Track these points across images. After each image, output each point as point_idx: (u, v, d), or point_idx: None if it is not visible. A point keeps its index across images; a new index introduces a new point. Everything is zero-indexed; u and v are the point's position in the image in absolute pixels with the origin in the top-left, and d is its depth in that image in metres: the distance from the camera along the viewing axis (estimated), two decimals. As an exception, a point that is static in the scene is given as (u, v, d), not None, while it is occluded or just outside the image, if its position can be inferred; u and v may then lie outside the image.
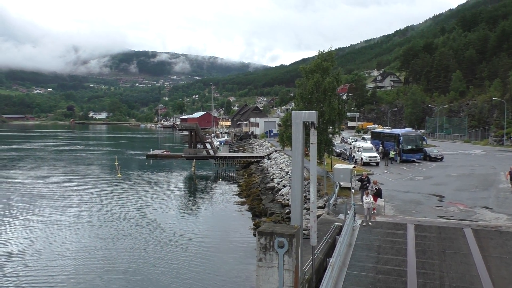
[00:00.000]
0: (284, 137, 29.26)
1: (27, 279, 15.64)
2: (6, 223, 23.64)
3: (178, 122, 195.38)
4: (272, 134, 79.28)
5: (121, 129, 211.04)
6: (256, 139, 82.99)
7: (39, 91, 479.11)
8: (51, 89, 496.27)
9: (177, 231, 22.59)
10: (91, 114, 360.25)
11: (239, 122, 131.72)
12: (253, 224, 23.20)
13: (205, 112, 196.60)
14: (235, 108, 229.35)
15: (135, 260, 17.96)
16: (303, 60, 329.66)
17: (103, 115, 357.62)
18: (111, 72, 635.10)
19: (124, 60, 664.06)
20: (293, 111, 9.80)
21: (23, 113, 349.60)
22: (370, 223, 15.69)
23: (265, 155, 49.35)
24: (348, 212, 15.36)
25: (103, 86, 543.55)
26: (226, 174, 45.47)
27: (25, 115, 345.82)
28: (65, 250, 19.30)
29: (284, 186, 29.53)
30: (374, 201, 17.07)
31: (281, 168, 37.21)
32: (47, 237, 21.16)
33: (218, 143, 68.21)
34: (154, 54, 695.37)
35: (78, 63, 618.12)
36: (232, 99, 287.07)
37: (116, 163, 49.97)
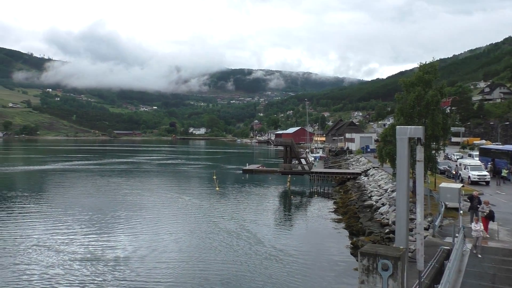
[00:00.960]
0: (384, 153, 28.13)
1: (130, 284, 16.66)
2: (115, 229, 25.57)
3: (272, 137, 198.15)
4: (368, 150, 76.95)
5: (218, 144, 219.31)
6: (352, 154, 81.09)
7: (145, 109, 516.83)
8: (155, 107, 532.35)
9: (276, 245, 22.69)
10: (191, 129, 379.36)
11: (334, 138, 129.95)
12: (351, 243, 22.54)
13: (299, 127, 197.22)
14: (330, 123, 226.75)
15: (235, 272, 18.33)
16: (401, 73, 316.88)
17: (202, 130, 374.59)
18: (210, 90, 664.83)
19: (221, 78, 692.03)
20: (397, 126, 9.33)
21: (131, 129, 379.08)
22: (479, 255, 14.17)
23: (362, 172, 47.94)
24: (457, 235, 14.23)
25: (202, 103, 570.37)
26: (322, 190, 44.91)
27: (133, 131, 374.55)
28: (166, 258, 20.32)
29: (383, 204, 28.36)
30: (484, 230, 15.56)
31: (379, 186, 35.84)
32: (150, 244, 22.44)
33: (312, 158, 67.81)
34: (249, 72, 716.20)
35: (179, 82, 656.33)
36: (326, 114, 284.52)
37: (214, 176, 51.91)
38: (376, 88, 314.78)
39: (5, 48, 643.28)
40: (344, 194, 40.30)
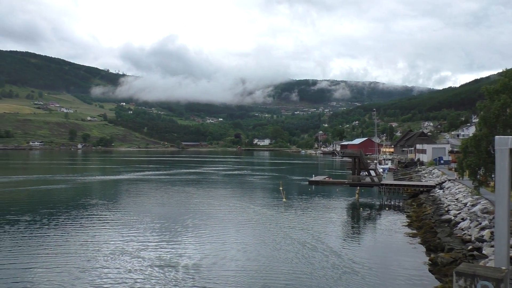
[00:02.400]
0: (464, 165, 26.39)
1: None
2: (184, 237, 25.95)
3: (338, 148, 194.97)
4: (442, 162, 73.12)
5: (283, 155, 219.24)
6: (423, 166, 77.45)
7: (212, 121, 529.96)
8: (221, 119, 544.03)
9: (350, 258, 21.92)
10: (255, 140, 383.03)
11: (403, 149, 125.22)
12: (429, 259, 21.23)
13: (366, 138, 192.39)
14: (398, 133, 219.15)
15: (309, 284, 17.84)
16: (476, 81, 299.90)
17: (266, 141, 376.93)
18: (274, 101, 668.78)
19: (286, 89, 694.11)
20: (496, 136, 8.48)
21: (198, 141, 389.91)
22: None
23: (436, 184, 45.46)
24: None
25: (266, 115, 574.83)
26: (392, 203, 43.10)
27: (200, 142, 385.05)
28: (235, 266, 20.23)
29: (462, 219, 26.54)
30: None
31: (457, 199, 33.69)
32: (218, 253, 22.48)
33: (381, 170, 65.56)
34: (314, 82, 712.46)
35: (244, 94, 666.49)
36: (394, 124, 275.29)
37: (281, 187, 51.65)
38: (448, 97, 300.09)
39: (85, 65, 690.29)
40: (417, 207, 38.35)
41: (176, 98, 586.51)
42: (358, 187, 47.62)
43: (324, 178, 54.28)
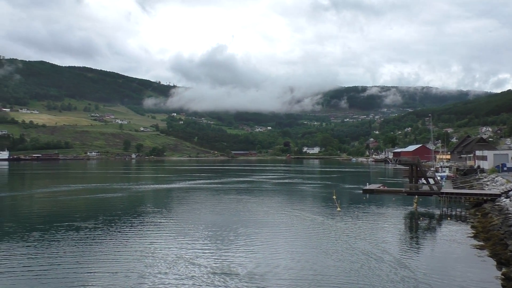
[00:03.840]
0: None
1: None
2: (237, 245, 25.70)
3: (390, 156, 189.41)
4: (505, 168, 69.04)
5: (333, 163, 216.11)
6: (485, 174, 73.41)
7: (260, 130, 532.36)
8: (270, 127, 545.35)
9: (416, 270, 20.86)
10: (304, 149, 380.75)
11: (460, 155, 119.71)
12: (501, 274, 19.78)
13: (419, 145, 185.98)
14: (454, 140, 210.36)
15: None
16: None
17: (316, 149, 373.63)
18: (323, 109, 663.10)
19: (335, 97, 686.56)
20: None
21: (247, 149, 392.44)
22: None
23: (502, 193, 42.75)
24: None
25: (315, 123, 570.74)
26: (453, 213, 40.93)
27: (249, 151, 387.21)
28: (290, 275, 19.73)
29: (536, 230, 24.61)
30: None
31: (527, 209, 31.41)
32: (272, 261, 22.03)
33: (439, 178, 62.75)
34: (364, 89, 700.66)
35: (293, 103, 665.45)
36: (449, 130, 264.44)
37: (334, 196, 50.57)
38: (507, 100, 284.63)
39: (138, 78, 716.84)
40: (482, 217, 36.14)
41: (225, 108, 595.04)
42: (416, 196, 45.70)
43: (379, 187, 52.55)
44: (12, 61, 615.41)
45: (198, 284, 18.40)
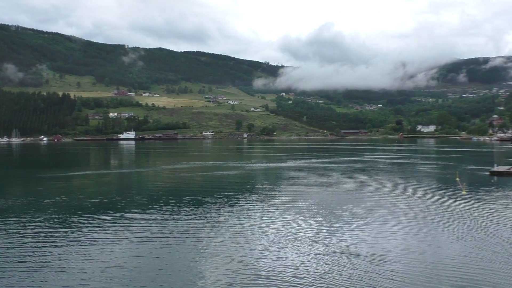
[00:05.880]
0: None
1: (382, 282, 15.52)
2: (349, 225, 24.86)
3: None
4: None
5: (451, 142, 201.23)
6: None
7: (371, 108, 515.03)
8: (380, 105, 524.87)
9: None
10: (418, 127, 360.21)
11: None
12: None
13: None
14: None
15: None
16: None
17: (431, 128, 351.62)
18: (438, 84, 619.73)
19: (452, 70, 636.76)
20: None
21: (357, 128, 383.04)
22: None
23: None
24: None
25: (430, 99, 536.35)
26: None
27: (359, 130, 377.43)
28: (411, 259, 18.47)
29: None
30: None
31: None
32: (390, 243, 20.86)
33: None
34: (485, 60, 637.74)
35: (405, 78, 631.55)
36: None
37: (457, 178, 46.87)
38: None
39: (248, 60, 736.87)
40: None
41: (333, 86, 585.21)
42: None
43: (509, 169, 47.50)
44: (135, 49, 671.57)
45: (323, 261, 18.23)
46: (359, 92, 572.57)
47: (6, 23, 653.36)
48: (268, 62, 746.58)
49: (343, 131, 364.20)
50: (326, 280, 15.98)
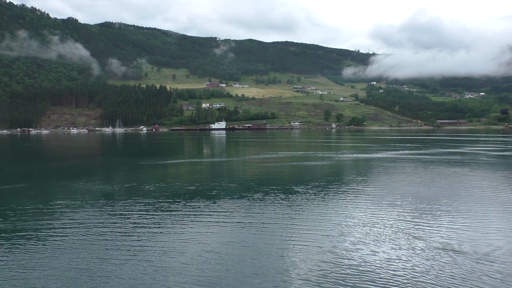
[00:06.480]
0: None
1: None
2: (447, 220, 23.23)
3: None
4: None
5: None
6: None
7: (471, 96, 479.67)
8: (483, 93, 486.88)
9: None
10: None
11: None
12: None
13: None
14: None
15: None
16: None
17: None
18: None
19: None
20: None
21: (455, 118, 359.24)
22: None
23: None
24: None
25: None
26: None
27: (457, 120, 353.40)
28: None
29: None
30: None
31: None
32: (494, 241, 19.15)
33: None
34: None
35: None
36: None
37: None
38: None
39: (337, 48, 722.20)
40: None
41: (429, 74, 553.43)
42: None
43: None
44: (226, 41, 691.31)
45: (421, 257, 17.36)
46: (458, 80, 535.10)
47: (111, 21, 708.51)
48: (358, 50, 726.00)
49: (439, 121, 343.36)
50: (427, 278, 15.16)
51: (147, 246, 19.13)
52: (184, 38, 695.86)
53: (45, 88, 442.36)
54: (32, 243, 19.61)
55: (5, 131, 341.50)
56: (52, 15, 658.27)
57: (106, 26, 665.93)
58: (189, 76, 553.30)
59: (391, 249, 18.45)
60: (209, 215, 25.35)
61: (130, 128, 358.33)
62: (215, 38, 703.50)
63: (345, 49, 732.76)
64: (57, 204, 29.03)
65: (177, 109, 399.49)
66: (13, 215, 25.67)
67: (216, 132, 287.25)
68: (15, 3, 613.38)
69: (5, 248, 18.83)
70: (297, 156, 71.98)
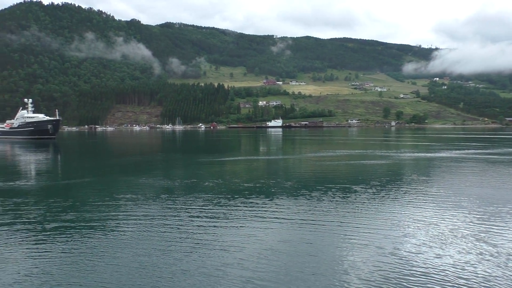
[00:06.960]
0: None
1: None
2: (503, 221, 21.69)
3: None
4: None
5: None
6: None
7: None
8: None
9: None
10: None
11: None
12: None
13: None
14: None
15: None
16: None
17: None
18: None
19: None
20: None
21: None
22: None
23: None
24: None
25: None
26: None
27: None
28: None
29: None
30: None
31: None
32: None
33: None
34: None
35: None
36: None
37: None
38: None
39: (397, 44, 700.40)
40: None
41: (497, 68, 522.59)
42: None
43: None
44: (283, 39, 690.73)
45: (491, 263, 16.40)
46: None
47: (171, 21, 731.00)
48: (420, 45, 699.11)
49: (507, 118, 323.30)
50: (498, 286, 14.26)
51: (206, 240, 19.47)
52: (241, 36, 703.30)
53: (110, 87, 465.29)
54: (99, 234, 20.61)
55: (74, 128, 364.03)
56: (116, 17, 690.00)
57: (167, 27, 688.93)
58: (246, 74, 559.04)
59: (458, 253, 17.56)
60: (267, 212, 25.41)
61: (189, 126, 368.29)
62: (272, 36, 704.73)
63: (405, 44, 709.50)
64: (121, 198, 30.32)
65: (234, 107, 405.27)
66: (82, 208, 27.12)
67: (273, 129, 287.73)
68: (83, 6, 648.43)
69: (74, 238, 19.92)
70: (355, 155, 70.54)
